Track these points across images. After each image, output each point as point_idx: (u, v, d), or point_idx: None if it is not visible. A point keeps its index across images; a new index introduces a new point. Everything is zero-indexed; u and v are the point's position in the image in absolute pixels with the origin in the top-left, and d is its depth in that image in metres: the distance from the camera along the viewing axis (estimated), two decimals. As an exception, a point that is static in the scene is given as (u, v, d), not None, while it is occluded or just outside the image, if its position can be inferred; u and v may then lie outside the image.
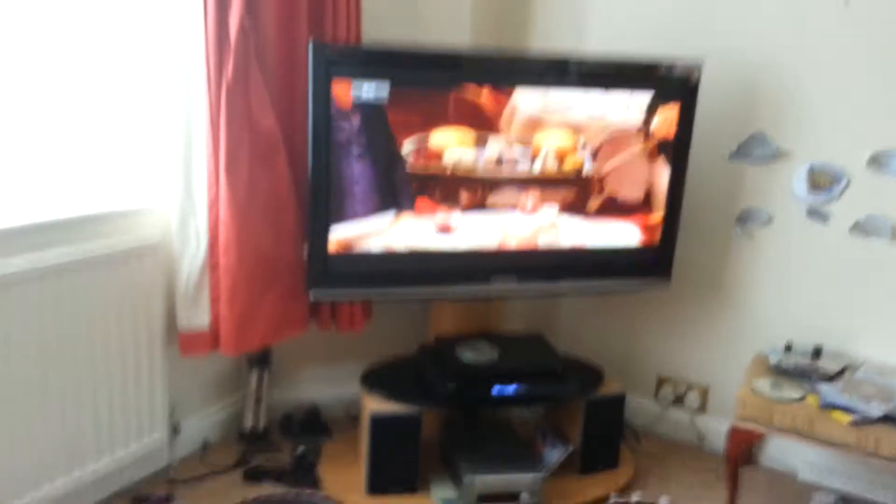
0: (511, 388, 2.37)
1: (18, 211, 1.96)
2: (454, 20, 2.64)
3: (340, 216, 2.22)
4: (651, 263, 2.55)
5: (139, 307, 2.19)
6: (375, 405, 2.30)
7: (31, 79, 1.96)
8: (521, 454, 2.42)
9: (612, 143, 2.37)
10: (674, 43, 2.49)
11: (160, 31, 2.12)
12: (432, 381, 2.39)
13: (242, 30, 2.09)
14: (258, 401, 2.66)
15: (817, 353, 2.44)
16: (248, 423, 2.66)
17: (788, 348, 2.49)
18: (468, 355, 2.43)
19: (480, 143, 2.27)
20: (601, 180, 2.40)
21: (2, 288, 1.83)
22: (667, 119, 2.38)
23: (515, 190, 2.34)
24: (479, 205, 2.32)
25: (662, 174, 2.45)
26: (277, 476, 2.45)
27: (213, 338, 2.31)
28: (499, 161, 2.29)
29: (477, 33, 2.68)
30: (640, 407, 2.87)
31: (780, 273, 2.59)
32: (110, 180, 2.18)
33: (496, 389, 2.35)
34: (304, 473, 2.46)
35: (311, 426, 2.74)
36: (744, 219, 2.60)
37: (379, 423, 2.26)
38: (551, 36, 2.80)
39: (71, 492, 2.08)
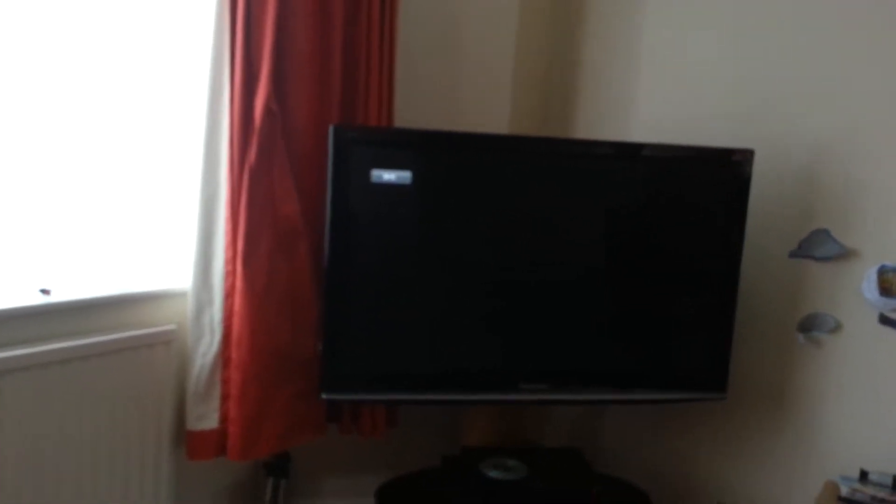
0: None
1: (28, 291, 1.88)
2: (493, 112, 2.57)
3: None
4: (703, 373, 2.31)
5: (148, 402, 2.06)
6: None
7: (48, 153, 1.92)
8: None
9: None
10: (724, 136, 2.35)
11: (186, 109, 2.08)
12: (451, 499, 2.18)
13: (269, 112, 2.04)
14: (271, 514, 2.45)
15: (898, 483, 2.14)
16: (259, 538, 2.44)
17: (863, 476, 2.20)
18: (493, 472, 2.21)
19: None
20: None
21: (-2, 376, 1.71)
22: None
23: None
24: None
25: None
26: None
27: (220, 441, 2.14)
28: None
29: (516, 125, 2.60)
30: (694, 539, 2.56)
31: (852, 388, 2.31)
32: (124, 262, 2.10)
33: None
34: None
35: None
36: (807, 325, 2.36)
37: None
38: (595, 130, 2.70)
39: None
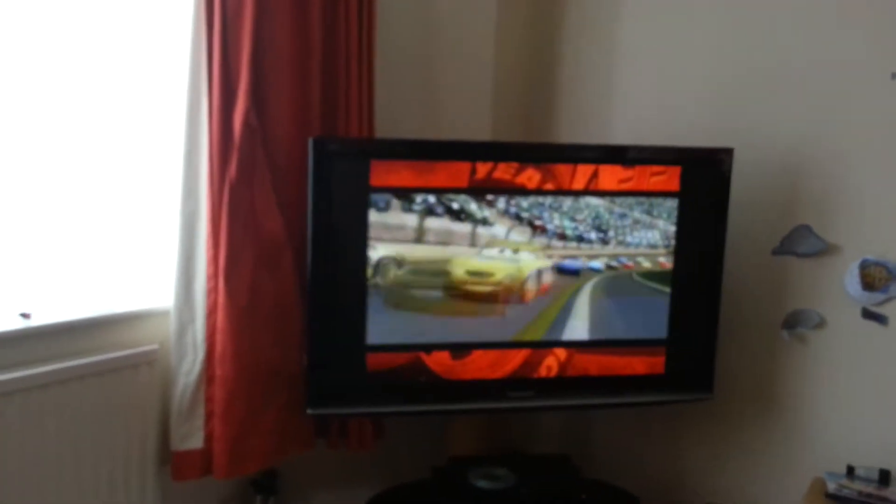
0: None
1: (8, 315, 1.85)
2: (474, 118, 2.56)
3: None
4: (689, 374, 2.31)
5: (132, 424, 2.03)
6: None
7: (24, 174, 1.89)
8: None
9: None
10: (704, 135, 2.36)
11: (164, 125, 2.06)
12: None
13: (248, 127, 2.01)
14: (260, 531, 2.42)
15: (884, 478, 2.15)
16: (249, 557, 2.40)
17: (850, 472, 2.21)
18: (482, 482, 2.20)
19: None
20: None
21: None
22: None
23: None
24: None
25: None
26: None
27: (205, 460, 2.10)
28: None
29: (498, 131, 2.60)
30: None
31: (837, 384, 2.32)
32: (105, 282, 2.07)
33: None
34: None
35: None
36: (792, 322, 2.37)
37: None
38: (577, 132, 2.71)
39: None
